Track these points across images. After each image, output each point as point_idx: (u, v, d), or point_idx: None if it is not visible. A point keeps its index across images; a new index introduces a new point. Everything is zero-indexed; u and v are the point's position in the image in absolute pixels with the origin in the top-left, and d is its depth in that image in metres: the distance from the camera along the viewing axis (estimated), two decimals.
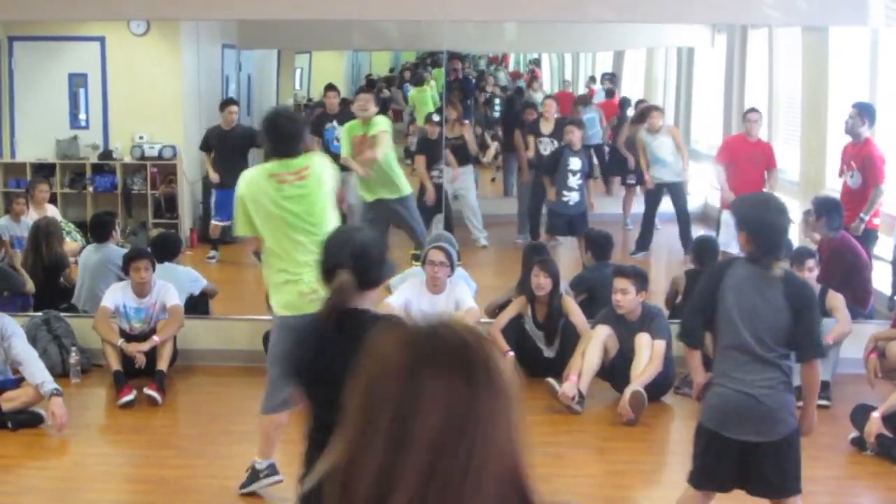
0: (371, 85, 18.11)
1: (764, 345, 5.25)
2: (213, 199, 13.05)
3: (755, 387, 5.26)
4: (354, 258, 4.23)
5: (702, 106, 16.20)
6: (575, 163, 12.46)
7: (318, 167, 6.60)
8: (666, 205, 13.42)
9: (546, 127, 13.70)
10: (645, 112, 13.67)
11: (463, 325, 1.99)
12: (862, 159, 9.97)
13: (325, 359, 4.07)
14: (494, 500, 1.86)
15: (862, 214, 9.95)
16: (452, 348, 1.92)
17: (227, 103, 13.29)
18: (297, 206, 6.48)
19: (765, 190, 10.98)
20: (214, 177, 12.98)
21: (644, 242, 13.39)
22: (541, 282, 9.18)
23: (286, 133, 6.52)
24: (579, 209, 12.51)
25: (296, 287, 6.41)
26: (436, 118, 13.76)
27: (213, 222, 12.80)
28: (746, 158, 11.30)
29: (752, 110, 11.85)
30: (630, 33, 15.84)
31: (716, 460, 5.40)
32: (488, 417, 1.88)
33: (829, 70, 11.03)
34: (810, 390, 5.51)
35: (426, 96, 17.20)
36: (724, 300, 5.32)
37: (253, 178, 6.61)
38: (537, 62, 22.40)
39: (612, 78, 17.82)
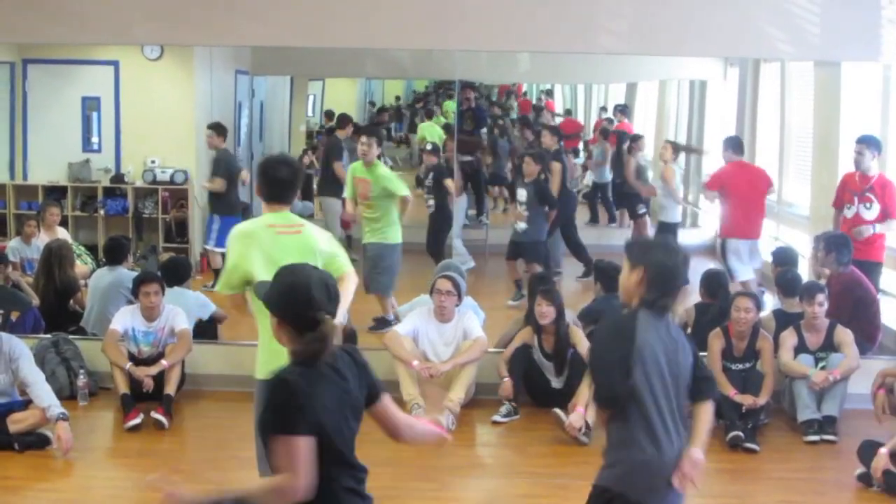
0: (380, 113, 18.24)
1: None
2: (215, 226, 12.98)
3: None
4: (330, 298, 4.04)
5: (714, 139, 16.20)
6: (521, 194, 12.54)
7: (313, 232, 6.41)
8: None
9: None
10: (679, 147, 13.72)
11: None
12: (879, 191, 9.96)
13: (344, 400, 4.04)
14: None
15: (876, 225, 9.93)
16: None
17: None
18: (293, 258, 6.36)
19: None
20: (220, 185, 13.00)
21: None
22: (543, 310, 9.17)
23: (280, 179, 6.32)
24: (529, 237, 12.50)
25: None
26: (429, 147, 14.38)
27: (213, 249, 12.85)
28: (743, 185, 11.33)
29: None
30: (643, 65, 15.86)
31: None
32: None
33: (841, 105, 11.03)
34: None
35: (435, 130, 17.32)
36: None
37: (249, 229, 6.41)
38: (550, 93, 22.41)
39: (623, 109, 17.85)
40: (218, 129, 13.04)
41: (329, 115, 17.77)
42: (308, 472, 3.86)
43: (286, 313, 4.02)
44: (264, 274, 6.13)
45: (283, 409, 3.87)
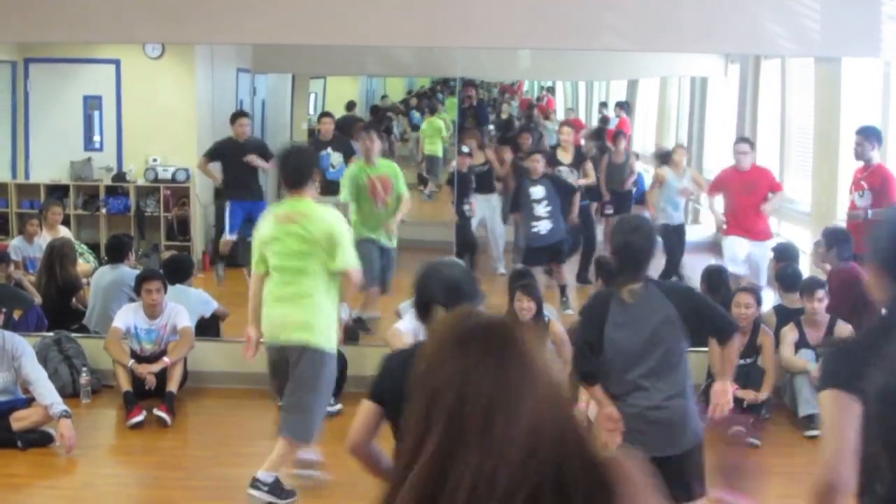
0: (374, 112, 18.18)
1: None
2: (226, 212, 12.88)
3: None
4: (447, 293, 4.31)
5: (714, 135, 16.21)
6: (537, 191, 12.01)
7: (312, 224, 6.99)
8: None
9: (565, 156, 13.12)
10: (670, 151, 13.58)
11: (497, 314, 2.29)
12: (877, 182, 9.94)
13: None
14: (553, 463, 2.07)
15: (869, 211, 9.87)
16: (486, 332, 2.19)
17: (238, 115, 13.00)
18: (288, 245, 7.03)
19: (766, 210, 11.07)
20: (217, 179, 12.92)
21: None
22: (524, 306, 9.13)
23: (296, 167, 7.09)
24: (554, 237, 12.05)
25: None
26: (465, 149, 13.60)
27: (226, 237, 12.74)
28: (739, 190, 11.17)
29: (741, 140, 11.58)
30: (644, 62, 15.85)
31: None
32: (519, 391, 2.10)
33: (842, 101, 11.02)
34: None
35: (438, 126, 17.25)
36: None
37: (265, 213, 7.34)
38: (551, 90, 22.37)
39: (624, 106, 17.83)
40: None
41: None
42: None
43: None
44: (258, 257, 7.15)
45: None
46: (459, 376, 2.12)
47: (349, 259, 7.04)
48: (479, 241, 13.57)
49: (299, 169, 7.11)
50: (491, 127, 17.73)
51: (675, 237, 13.02)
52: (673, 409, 5.50)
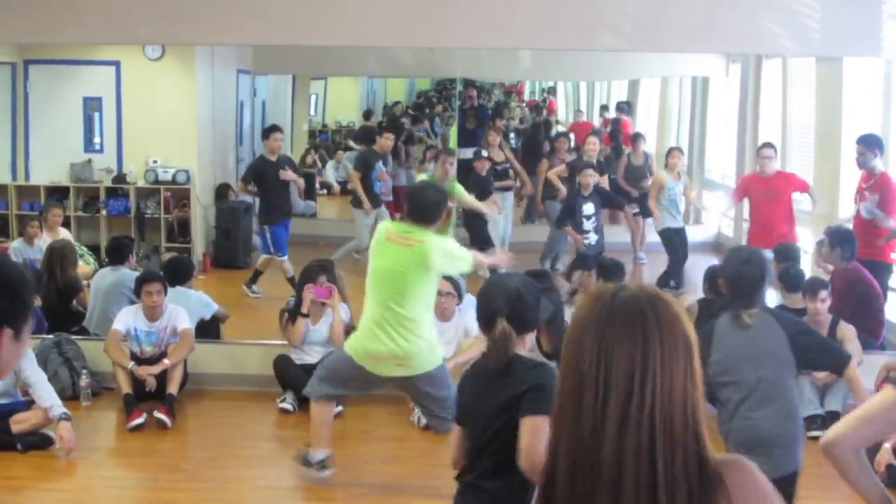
0: (393, 122, 18.16)
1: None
2: (267, 237, 12.69)
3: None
4: (510, 304, 4.36)
5: (716, 135, 16.21)
6: (588, 208, 12.23)
7: (430, 248, 6.87)
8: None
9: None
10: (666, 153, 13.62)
11: (641, 287, 2.32)
12: (880, 191, 9.92)
13: (492, 403, 4.30)
14: (679, 446, 2.13)
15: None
16: (629, 307, 2.23)
17: (272, 130, 13.02)
18: (388, 265, 6.94)
19: (816, 211, 11.17)
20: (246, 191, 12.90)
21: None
22: None
23: (426, 202, 6.96)
24: (599, 247, 12.29)
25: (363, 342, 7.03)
26: (484, 153, 13.65)
27: (276, 258, 12.70)
28: (762, 196, 11.14)
29: (766, 145, 11.50)
30: (645, 62, 15.86)
31: None
32: (662, 366, 2.16)
33: (843, 101, 11.01)
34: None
35: (454, 131, 17.29)
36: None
37: (381, 225, 7.32)
38: (553, 90, 22.40)
39: (625, 107, 17.84)
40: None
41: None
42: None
43: None
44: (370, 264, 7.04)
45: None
46: (603, 352, 2.19)
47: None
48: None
49: (428, 204, 7.00)
50: (512, 135, 17.72)
51: (677, 240, 13.05)
52: (781, 431, 5.56)
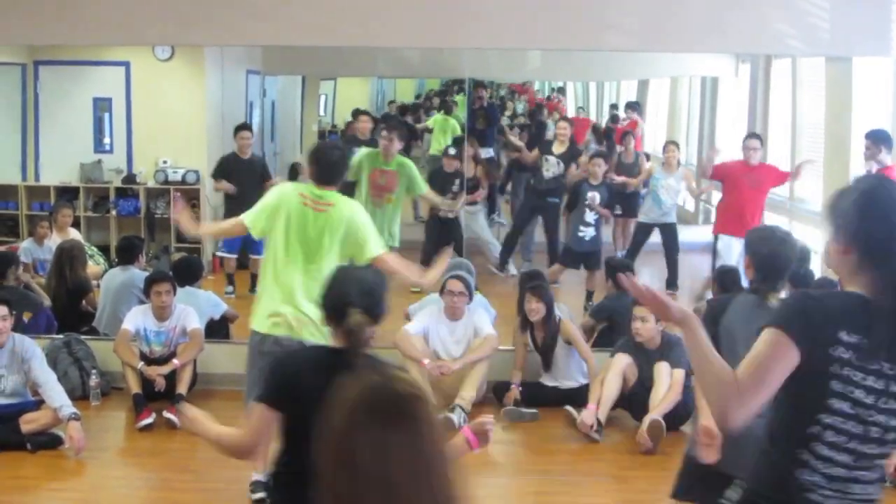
0: (403, 112, 18.15)
1: None
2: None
3: None
4: (363, 295, 4.19)
5: (725, 135, 16.18)
6: (594, 197, 12.26)
7: (344, 211, 6.77)
8: (684, 235, 13.41)
9: (558, 148, 13.39)
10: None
11: (405, 380, 2.26)
12: None
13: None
14: None
15: None
16: (397, 406, 2.19)
17: (240, 128, 13.05)
18: (308, 231, 6.73)
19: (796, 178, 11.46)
20: (230, 188, 12.85)
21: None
22: (533, 307, 9.22)
23: (329, 161, 6.84)
24: (594, 246, 12.31)
25: (269, 306, 6.75)
26: (452, 151, 13.43)
27: (224, 255, 12.85)
28: (745, 183, 11.28)
29: (752, 136, 11.76)
30: (654, 62, 15.84)
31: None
32: (424, 464, 2.15)
33: (853, 100, 10.99)
34: None
35: (450, 124, 17.19)
36: (728, 333, 5.40)
37: (286, 189, 7.00)
38: (562, 91, 22.35)
39: (635, 106, 17.81)
40: None
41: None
42: None
43: None
44: (280, 231, 6.75)
45: None
46: (368, 450, 2.13)
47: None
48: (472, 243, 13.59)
49: (332, 162, 6.91)
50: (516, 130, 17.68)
51: (640, 236, 13.06)
52: None
